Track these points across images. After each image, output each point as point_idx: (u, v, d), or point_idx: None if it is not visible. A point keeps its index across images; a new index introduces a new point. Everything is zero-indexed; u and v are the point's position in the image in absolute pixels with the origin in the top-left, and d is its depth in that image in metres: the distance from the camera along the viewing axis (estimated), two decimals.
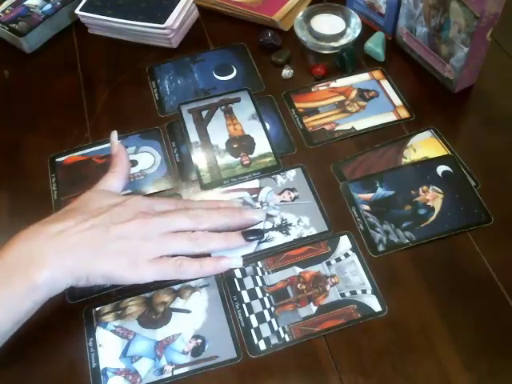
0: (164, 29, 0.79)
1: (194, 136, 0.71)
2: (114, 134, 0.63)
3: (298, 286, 0.58)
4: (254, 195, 0.65)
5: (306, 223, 0.62)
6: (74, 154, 0.70)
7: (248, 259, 0.60)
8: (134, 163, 0.68)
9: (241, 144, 0.70)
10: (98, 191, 0.58)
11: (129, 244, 0.53)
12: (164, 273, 0.54)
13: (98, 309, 0.57)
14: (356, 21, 0.80)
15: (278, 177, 0.67)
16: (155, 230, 0.54)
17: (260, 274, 0.59)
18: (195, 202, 0.62)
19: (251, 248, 0.60)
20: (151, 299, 0.58)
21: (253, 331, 0.55)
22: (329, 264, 0.59)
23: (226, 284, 0.58)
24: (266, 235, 0.61)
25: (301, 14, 0.81)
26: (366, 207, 0.63)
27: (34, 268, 0.50)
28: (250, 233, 0.59)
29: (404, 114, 0.72)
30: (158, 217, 0.55)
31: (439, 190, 0.64)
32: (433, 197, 0.63)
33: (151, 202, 0.58)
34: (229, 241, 0.58)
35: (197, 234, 0.56)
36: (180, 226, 0.56)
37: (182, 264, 0.55)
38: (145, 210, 0.56)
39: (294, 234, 0.62)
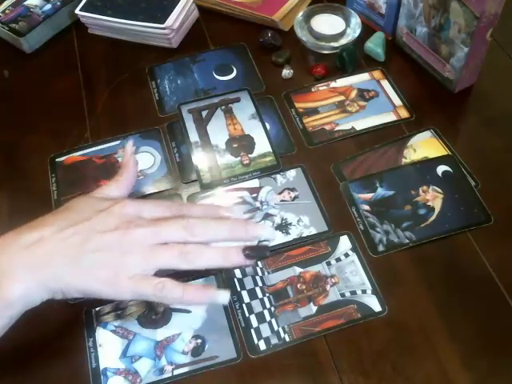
0: (164, 29, 0.79)
1: (193, 136, 0.71)
2: (130, 144, 0.59)
3: (298, 286, 0.58)
4: (254, 195, 0.65)
5: (306, 223, 0.62)
6: (74, 154, 0.70)
7: None
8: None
9: (241, 144, 0.70)
10: (87, 197, 0.53)
11: (107, 257, 0.48)
12: (142, 294, 0.49)
13: (97, 309, 0.57)
14: (356, 21, 0.80)
15: (278, 176, 0.67)
16: (139, 242, 0.49)
17: (260, 274, 0.59)
18: (193, 207, 0.56)
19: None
20: None
21: (253, 331, 0.55)
22: (329, 264, 0.59)
23: (226, 284, 0.58)
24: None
25: (301, 14, 0.81)
26: (366, 207, 0.63)
27: (6, 283, 0.46)
28: (253, 250, 0.50)
29: (404, 114, 0.72)
30: (144, 227, 0.49)
31: (439, 190, 0.64)
32: (433, 197, 0.63)
33: (140, 207, 0.51)
34: (225, 258, 0.50)
35: (188, 248, 0.49)
36: (169, 237, 0.49)
37: (164, 288, 0.48)
38: (130, 218, 0.50)
39: (294, 233, 0.62)
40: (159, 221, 0.50)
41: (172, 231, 0.50)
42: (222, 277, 0.59)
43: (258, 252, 0.50)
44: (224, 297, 0.49)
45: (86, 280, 0.48)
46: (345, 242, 0.61)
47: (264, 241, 0.55)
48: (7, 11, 0.84)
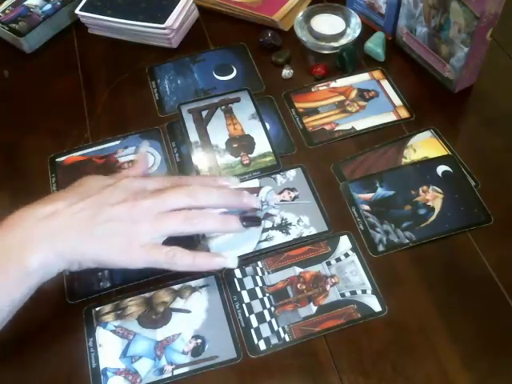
0: (164, 29, 0.79)
1: (193, 136, 0.71)
2: (146, 144, 0.64)
3: (298, 286, 0.58)
4: (254, 195, 0.65)
5: (305, 223, 0.62)
6: (74, 154, 0.70)
7: (248, 259, 0.60)
8: (134, 163, 0.68)
9: (241, 144, 0.70)
10: (95, 175, 0.56)
11: (119, 227, 0.51)
12: (155, 262, 0.52)
13: (98, 309, 0.57)
14: (356, 21, 0.80)
15: (278, 176, 0.67)
16: (147, 212, 0.52)
17: (260, 274, 0.59)
18: (191, 178, 0.60)
19: (250, 247, 0.60)
20: (151, 299, 0.57)
21: (253, 331, 0.55)
22: (329, 264, 0.59)
23: (225, 284, 0.58)
24: (265, 235, 0.61)
25: (301, 14, 0.81)
26: (366, 207, 0.63)
27: (25, 253, 0.49)
28: (249, 219, 0.57)
29: (404, 114, 0.72)
30: (150, 198, 0.53)
31: (439, 190, 0.64)
32: (433, 197, 0.63)
33: (144, 181, 0.56)
34: (226, 223, 0.55)
35: (193, 214, 0.53)
36: (175, 204, 0.53)
37: (175, 255, 0.52)
38: (137, 190, 0.53)
39: (294, 233, 0.62)
40: (163, 191, 0.54)
41: (177, 198, 0.53)
42: (222, 277, 0.59)
43: (253, 222, 0.57)
44: (233, 261, 0.55)
45: (100, 249, 0.51)
46: (345, 242, 0.61)
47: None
48: (7, 11, 0.84)
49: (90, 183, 0.55)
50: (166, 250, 0.52)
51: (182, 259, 0.52)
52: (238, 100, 0.74)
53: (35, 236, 0.50)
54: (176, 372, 0.53)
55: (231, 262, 0.55)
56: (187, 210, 0.53)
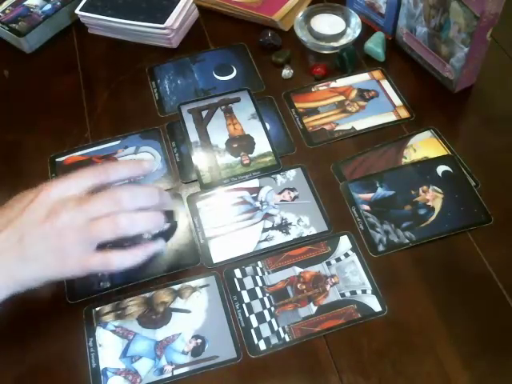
0: (164, 29, 0.79)
1: (194, 136, 0.71)
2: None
3: (298, 286, 0.58)
4: (254, 194, 0.65)
5: (305, 223, 0.62)
6: (74, 154, 0.70)
7: (248, 259, 0.60)
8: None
9: (241, 144, 0.70)
10: (19, 194, 0.54)
11: (48, 244, 0.50)
12: (93, 269, 0.52)
13: (97, 309, 0.57)
14: (356, 21, 0.80)
15: (278, 176, 0.67)
16: (72, 223, 0.50)
17: (260, 274, 0.59)
18: (118, 168, 0.56)
19: (250, 247, 0.60)
20: (151, 299, 0.58)
21: (253, 331, 0.55)
22: (329, 264, 0.59)
23: (226, 284, 0.58)
24: (265, 235, 0.61)
25: (301, 14, 0.81)
26: (366, 207, 0.63)
27: None
28: (167, 216, 0.58)
29: (404, 113, 0.72)
30: (73, 209, 0.51)
31: (439, 190, 0.64)
32: (433, 197, 0.63)
33: (66, 185, 0.53)
34: (154, 221, 0.54)
35: (119, 218, 0.52)
36: (99, 212, 0.51)
37: (109, 259, 0.52)
38: (58, 203, 0.51)
39: (294, 233, 0.62)
40: (86, 198, 0.52)
41: (100, 205, 0.52)
42: (222, 276, 0.59)
43: (169, 218, 0.60)
44: (160, 245, 0.56)
45: (37, 270, 0.50)
46: (345, 242, 0.61)
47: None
48: (7, 11, 0.84)
49: (13, 204, 0.53)
50: (99, 257, 0.52)
51: (117, 261, 0.52)
52: (237, 100, 0.74)
53: None
54: (176, 372, 0.53)
55: (160, 246, 0.56)
56: (113, 215, 0.52)
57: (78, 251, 0.51)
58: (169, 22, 0.78)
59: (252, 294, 0.57)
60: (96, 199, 0.52)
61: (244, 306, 0.57)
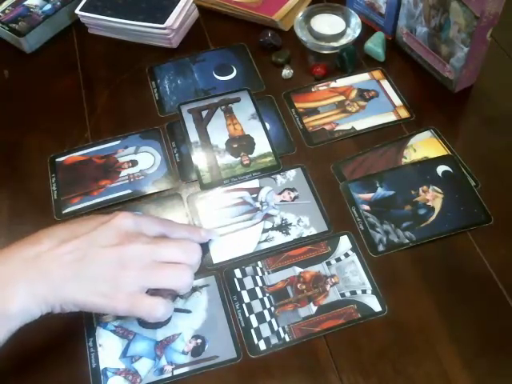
0: (164, 29, 0.79)
1: (194, 136, 0.71)
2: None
3: (298, 286, 0.58)
4: (254, 195, 0.65)
5: (306, 223, 0.62)
6: (74, 154, 0.70)
7: (248, 259, 0.60)
8: (134, 163, 0.69)
9: (241, 144, 0.70)
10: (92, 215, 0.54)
11: (106, 271, 0.49)
12: (136, 312, 0.51)
13: None
14: (356, 21, 0.80)
15: (278, 177, 0.67)
16: (138, 258, 0.50)
17: (260, 274, 0.59)
18: (180, 227, 0.58)
19: (250, 248, 0.60)
20: None
21: (253, 331, 0.55)
22: (329, 264, 0.59)
23: (226, 284, 0.58)
24: (265, 235, 0.61)
25: (301, 14, 0.81)
26: (366, 207, 0.63)
27: (6, 295, 0.47)
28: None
29: (404, 114, 0.72)
30: (144, 244, 0.51)
31: (439, 190, 0.64)
32: (433, 197, 0.63)
33: (139, 220, 0.53)
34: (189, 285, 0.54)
35: (182, 270, 0.52)
36: (167, 257, 0.51)
37: (156, 307, 0.50)
38: (131, 232, 0.51)
39: (294, 233, 0.62)
40: (158, 240, 0.52)
41: (171, 252, 0.52)
42: (222, 276, 0.59)
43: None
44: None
45: (84, 294, 0.49)
46: (345, 242, 0.61)
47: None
48: (7, 11, 0.84)
49: (81, 222, 0.52)
50: (148, 301, 0.50)
51: (161, 311, 0.51)
52: (237, 100, 0.74)
53: (17, 278, 0.47)
54: (176, 372, 0.53)
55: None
56: (177, 265, 0.52)
57: (133, 288, 0.50)
58: (169, 21, 0.78)
59: (252, 294, 0.57)
60: (169, 244, 0.52)
61: (244, 306, 0.57)
